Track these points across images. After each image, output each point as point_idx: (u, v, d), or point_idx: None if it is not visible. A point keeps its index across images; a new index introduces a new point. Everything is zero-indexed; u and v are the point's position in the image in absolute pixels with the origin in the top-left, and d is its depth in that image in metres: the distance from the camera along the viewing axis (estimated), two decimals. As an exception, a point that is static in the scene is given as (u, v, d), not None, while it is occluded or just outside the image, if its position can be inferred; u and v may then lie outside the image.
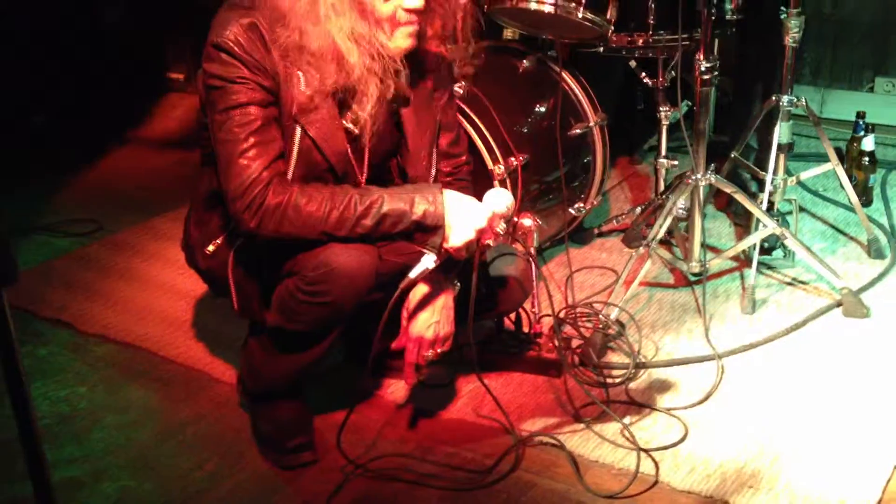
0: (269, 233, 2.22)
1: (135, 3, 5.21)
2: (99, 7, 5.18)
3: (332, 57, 2.21)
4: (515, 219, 2.89)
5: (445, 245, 2.28)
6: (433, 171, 2.52)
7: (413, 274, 2.30)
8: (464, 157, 2.64)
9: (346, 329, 2.45)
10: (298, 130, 2.26)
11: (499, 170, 3.04)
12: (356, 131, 2.34)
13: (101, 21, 5.20)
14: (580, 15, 3.15)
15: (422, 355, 2.43)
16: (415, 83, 2.43)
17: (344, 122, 2.32)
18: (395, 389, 2.80)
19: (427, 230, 2.27)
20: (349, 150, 2.36)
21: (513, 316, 2.88)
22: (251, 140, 2.20)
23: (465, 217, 2.28)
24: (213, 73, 2.23)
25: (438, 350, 2.44)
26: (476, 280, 2.35)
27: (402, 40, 2.28)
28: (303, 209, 2.20)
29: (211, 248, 2.47)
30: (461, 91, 3.10)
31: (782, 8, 3.19)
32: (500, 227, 2.33)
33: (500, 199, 2.32)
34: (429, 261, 2.29)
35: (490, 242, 2.35)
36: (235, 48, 2.19)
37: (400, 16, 2.25)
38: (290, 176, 2.27)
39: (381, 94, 2.28)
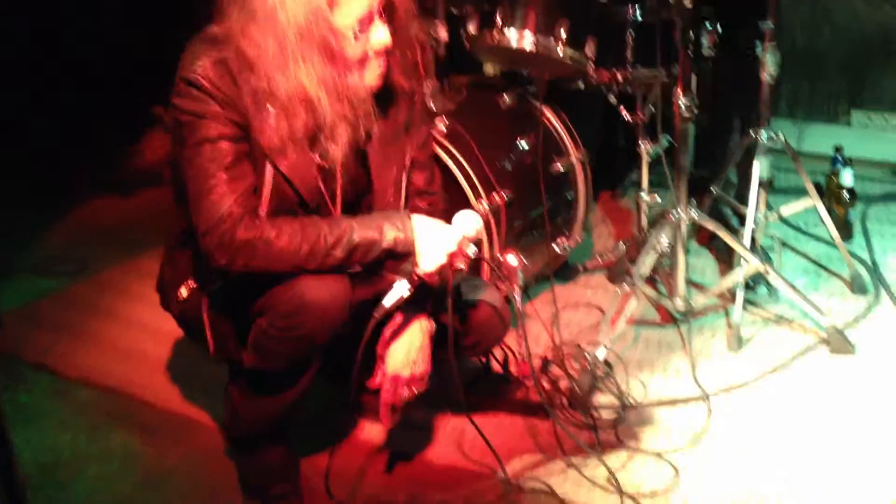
0: (240, 268, 2.20)
1: (134, 3, 5.15)
2: (99, 7, 5.13)
3: (302, 103, 2.20)
4: (500, 257, 2.88)
5: (417, 271, 2.27)
6: (400, 207, 2.49)
7: (387, 303, 2.29)
8: (438, 195, 2.63)
9: (323, 367, 2.42)
10: (269, 166, 2.24)
11: (482, 207, 3.03)
12: (326, 165, 2.32)
13: (101, 21, 5.14)
14: (560, 52, 3.16)
15: (398, 395, 2.40)
16: (381, 119, 2.40)
17: (315, 156, 2.30)
18: (378, 431, 2.77)
19: (398, 257, 2.26)
20: (321, 186, 2.34)
21: (500, 357, 2.86)
22: (222, 176, 2.18)
23: (435, 242, 2.27)
24: (184, 109, 2.20)
25: (415, 390, 2.42)
26: (451, 305, 2.33)
27: (373, 77, 2.28)
28: (273, 243, 2.18)
29: (184, 291, 2.45)
30: (444, 128, 3.10)
31: (757, 42, 3.21)
32: (471, 250, 2.31)
33: (468, 223, 2.31)
34: (402, 288, 2.28)
35: (461, 266, 2.33)
36: (205, 83, 2.17)
37: (370, 54, 2.25)
38: (262, 211, 2.24)
39: (350, 138, 2.27)
